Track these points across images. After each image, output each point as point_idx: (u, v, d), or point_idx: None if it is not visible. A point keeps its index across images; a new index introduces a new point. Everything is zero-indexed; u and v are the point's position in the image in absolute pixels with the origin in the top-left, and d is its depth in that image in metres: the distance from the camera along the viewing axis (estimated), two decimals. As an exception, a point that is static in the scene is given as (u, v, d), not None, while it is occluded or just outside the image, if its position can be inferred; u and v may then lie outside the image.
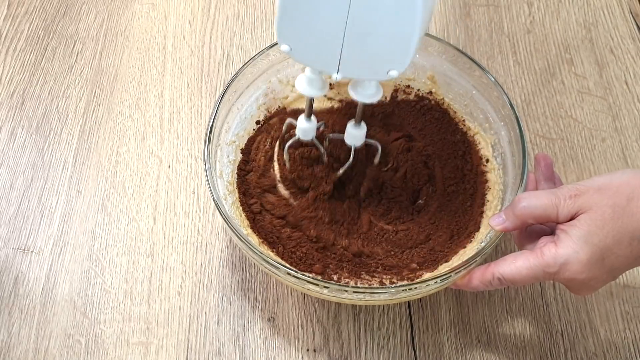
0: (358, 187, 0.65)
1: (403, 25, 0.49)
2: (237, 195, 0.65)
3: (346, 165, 0.63)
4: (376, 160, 0.64)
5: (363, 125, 0.60)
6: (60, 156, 0.76)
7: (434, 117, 0.71)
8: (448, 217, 0.65)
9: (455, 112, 0.71)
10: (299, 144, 0.63)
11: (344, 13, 0.49)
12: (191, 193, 0.73)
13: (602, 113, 0.79)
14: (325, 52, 0.52)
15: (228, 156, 0.67)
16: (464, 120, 0.71)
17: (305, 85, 0.57)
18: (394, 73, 0.52)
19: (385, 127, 0.69)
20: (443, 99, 0.72)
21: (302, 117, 0.61)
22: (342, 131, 0.62)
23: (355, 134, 0.60)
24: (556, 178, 0.62)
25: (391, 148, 0.66)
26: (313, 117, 0.61)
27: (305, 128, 0.61)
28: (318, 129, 0.62)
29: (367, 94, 0.56)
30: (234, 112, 0.68)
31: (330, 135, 0.63)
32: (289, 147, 0.63)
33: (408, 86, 0.73)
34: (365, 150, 0.64)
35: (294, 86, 0.72)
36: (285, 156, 0.64)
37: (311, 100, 0.59)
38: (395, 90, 0.73)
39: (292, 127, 0.63)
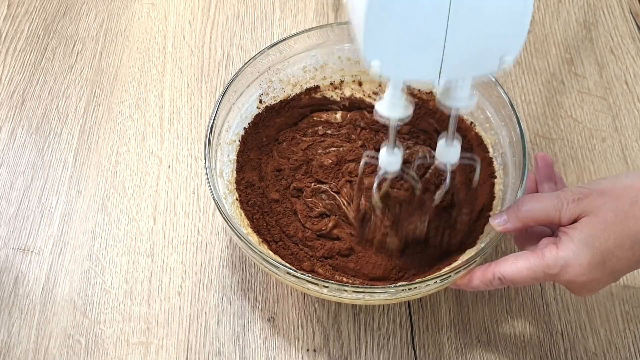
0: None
1: None
2: (236, 195, 0.65)
3: (444, 189, 0.58)
4: (476, 177, 0.60)
5: (456, 141, 0.53)
6: (60, 156, 0.76)
7: (435, 119, 0.71)
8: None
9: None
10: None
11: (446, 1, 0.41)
12: (191, 193, 0.73)
13: (602, 113, 0.79)
14: (425, 54, 0.44)
15: (228, 155, 0.67)
16: (463, 120, 0.71)
17: (385, 109, 0.49)
18: (509, 59, 0.44)
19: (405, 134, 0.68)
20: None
21: (384, 148, 0.54)
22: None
23: (449, 151, 0.54)
24: (557, 177, 0.62)
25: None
26: (398, 144, 0.54)
27: (391, 160, 0.54)
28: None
29: (463, 97, 0.48)
30: (234, 111, 0.68)
31: (419, 159, 0.57)
32: (377, 187, 0.57)
33: (407, 86, 0.73)
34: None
35: (294, 85, 0.72)
36: (376, 199, 0.59)
37: (395, 126, 0.51)
38: None
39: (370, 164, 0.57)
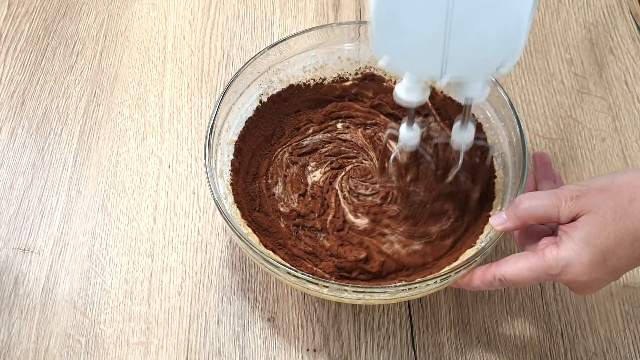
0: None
1: (514, 8, 0.45)
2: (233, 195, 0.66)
3: (456, 169, 0.62)
4: (488, 161, 0.64)
5: (471, 125, 0.58)
6: (60, 156, 0.76)
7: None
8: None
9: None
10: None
11: (447, 6, 0.45)
12: (191, 193, 0.73)
13: (602, 113, 0.79)
14: (428, 54, 0.48)
15: (228, 155, 0.67)
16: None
17: (404, 94, 0.54)
18: (508, 64, 0.48)
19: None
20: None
21: (404, 124, 0.59)
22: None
23: (462, 136, 0.58)
24: (556, 176, 0.62)
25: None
26: (416, 124, 0.59)
27: (409, 135, 0.59)
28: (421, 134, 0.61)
29: (476, 88, 0.52)
30: (235, 111, 0.68)
31: (436, 139, 0.62)
32: (394, 159, 0.63)
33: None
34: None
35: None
36: (392, 169, 0.64)
37: (414, 107, 0.56)
38: None
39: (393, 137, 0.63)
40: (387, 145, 0.67)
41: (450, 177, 0.63)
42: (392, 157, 0.64)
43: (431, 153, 0.63)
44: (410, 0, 0.46)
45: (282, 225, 0.65)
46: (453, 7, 0.45)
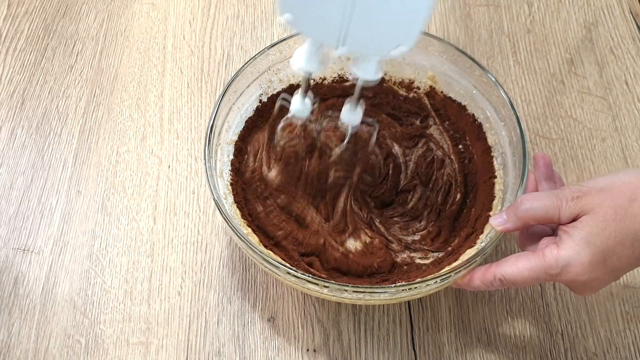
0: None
1: None
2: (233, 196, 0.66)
3: (343, 145, 0.63)
4: (373, 140, 0.64)
5: (361, 105, 0.59)
6: (60, 156, 0.76)
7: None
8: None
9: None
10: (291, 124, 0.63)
11: None
12: (191, 193, 0.73)
13: (602, 113, 0.79)
14: (330, 22, 0.49)
15: (228, 155, 0.67)
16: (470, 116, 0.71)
17: (302, 60, 0.54)
18: (402, 48, 0.49)
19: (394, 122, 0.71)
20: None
21: (297, 95, 0.59)
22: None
23: (353, 114, 0.60)
24: (556, 177, 0.62)
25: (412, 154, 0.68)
26: (309, 95, 0.59)
27: (299, 108, 0.59)
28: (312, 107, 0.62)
29: (369, 70, 0.53)
30: (235, 111, 0.68)
31: (329, 112, 0.63)
32: (282, 127, 0.63)
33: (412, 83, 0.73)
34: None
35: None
36: (279, 135, 0.63)
37: (308, 77, 0.57)
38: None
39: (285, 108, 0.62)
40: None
41: (338, 151, 0.63)
42: (280, 125, 0.64)
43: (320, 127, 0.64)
44: None
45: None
46: None
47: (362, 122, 0.61)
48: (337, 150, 0.63)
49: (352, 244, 0.64)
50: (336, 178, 0.65)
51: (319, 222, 0.65)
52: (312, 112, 0.62)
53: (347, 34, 0.49)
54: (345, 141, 0.62)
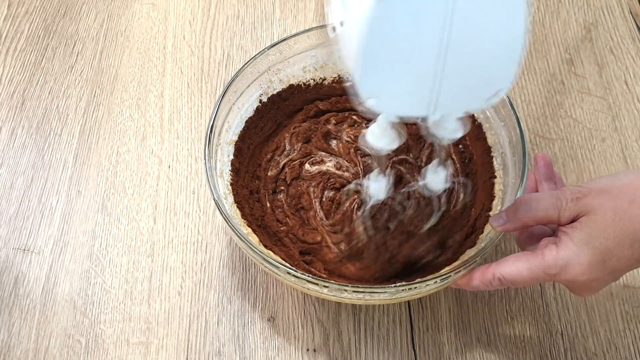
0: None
1: (511, 29, 0.42)
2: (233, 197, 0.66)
3: (431, 222, 0.60)
4: (460, 199, 0.64)
5: (444, 167, 0.56)
6: (60, 156, 0.76)
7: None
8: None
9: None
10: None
11: (443, 38, 0.41)
12: (191, 193, 0.73)
13: (602, 113, 0.79)
14: (417, 94, 0.44)
15: (228, 155, 0.67)
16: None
17: (374, 140, 0.50)
18: (501, 93, 0.45)
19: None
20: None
21: (373, 175, 0.57)
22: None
23: (437, 179, 0.56)
24: (556, 177, 0.62)
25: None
26: (388, 173, 0.57)
27: (379, 187, 0.57)
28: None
29: (451, 129, 0.49)
30: (235, 111, 0.68)
31: (414, 187, 0.59)
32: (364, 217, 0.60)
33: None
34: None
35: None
36: (361, 229, 0.61)
37: (385, 155, 0.53)
38: None
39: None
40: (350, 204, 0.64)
41: (425, 227, 0.60)
42: (360, 216, 0.61)
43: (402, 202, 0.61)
44: (403, 36, 0.41)
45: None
46: (451, 34, 0.41)
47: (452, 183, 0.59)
48: (427, 227, 0.60)
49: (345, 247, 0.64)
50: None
51: (320, 217, 0.65)
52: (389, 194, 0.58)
53: (438, 98, 0.44)
54: (435, 210, 0.60)
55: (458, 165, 0.70)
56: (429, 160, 0.69)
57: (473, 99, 0.46)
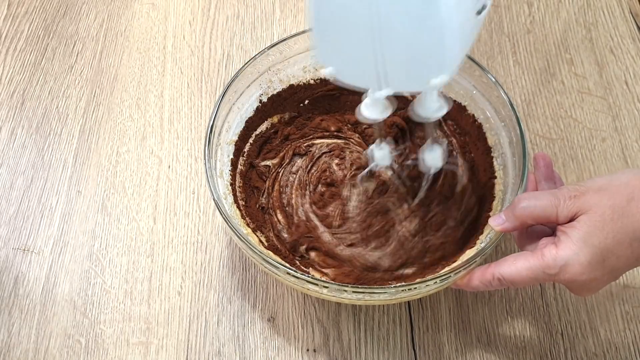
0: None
1: (432, 23, 0.44)
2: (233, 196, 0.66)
3: (423, 190, 0.63)
4: (459, 181, 0.64)
5: (438, 145, 0.59)
6: (60, 156, 0.76)
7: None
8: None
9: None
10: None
11: (374, 21, 0.45)
12: (191, 193, 0.73)
13: (602, 113, 0.79)
14: (366, 66, 0.48)
15: (228, 155, 0.67)
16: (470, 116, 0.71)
17: (367, 111, 0.54)
18: (444, 77, 0.47)
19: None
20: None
21: (374, 145, 0.61)
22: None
23: (431, 156, 0.59)
24: (556, 177, 0.62)
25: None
26: (387, 141, 0.60)
27: (381, 155, 0.61)
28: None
29: (431, 108, 0.53)
30: (235, 111, 0.68)
31: (409, 161, 0.63)
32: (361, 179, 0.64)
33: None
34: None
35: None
36: (360, 189, 0.64)
37: (378, 125, 0.58)
38: None
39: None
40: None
41: (417, 200, 0.63)
42: (360, 176, 0.64)
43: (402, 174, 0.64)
44: (342, 8, 0.45)
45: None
46: (379, 17, 0.44)
47: (445, 163, 0.61)
48: (417, 200, 0.63)
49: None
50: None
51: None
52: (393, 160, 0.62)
53: (386, 74, 0.48)
54: (426, 185, 0.62)
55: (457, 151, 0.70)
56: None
57: (416, 80, 0.49)
